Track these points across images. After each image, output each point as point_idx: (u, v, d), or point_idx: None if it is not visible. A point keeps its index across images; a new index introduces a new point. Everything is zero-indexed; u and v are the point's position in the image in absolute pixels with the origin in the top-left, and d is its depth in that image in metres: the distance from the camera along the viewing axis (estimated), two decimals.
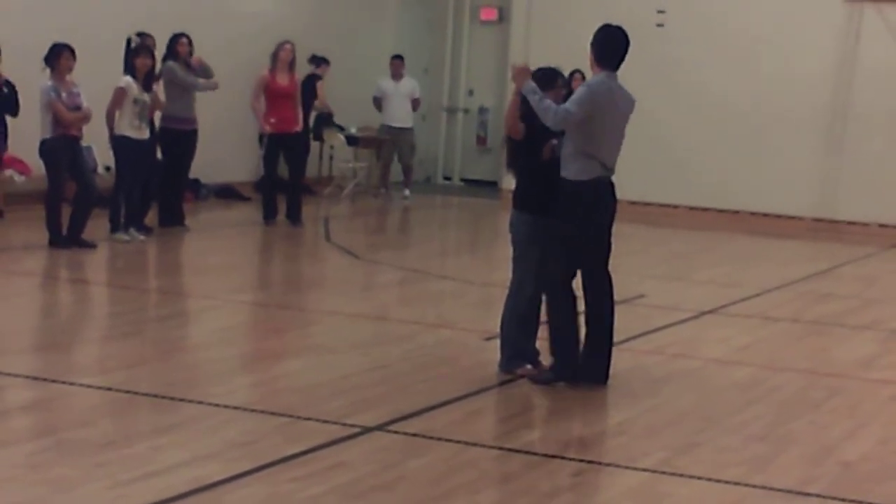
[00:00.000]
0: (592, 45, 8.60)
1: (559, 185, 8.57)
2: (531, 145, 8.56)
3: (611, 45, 8.57)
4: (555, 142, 8.54)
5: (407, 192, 20.68)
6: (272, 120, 16.21)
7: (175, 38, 15.39)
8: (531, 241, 8.66)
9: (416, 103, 20.85)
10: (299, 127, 16.77)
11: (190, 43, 15.39)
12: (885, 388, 9.33)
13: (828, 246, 18.54)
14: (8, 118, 14.24)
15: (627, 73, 8.68)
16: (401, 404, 7.92)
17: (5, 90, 13.79)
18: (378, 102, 20.68)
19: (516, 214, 8.74)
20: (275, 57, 16.33)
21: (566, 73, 9.41)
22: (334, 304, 11.45)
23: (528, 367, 8.82)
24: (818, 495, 6.67)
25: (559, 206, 8.63)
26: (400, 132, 20.62)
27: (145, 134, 14.12)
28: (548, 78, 8.65)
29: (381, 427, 7.38)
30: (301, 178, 17.01)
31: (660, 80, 19.58)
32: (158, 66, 14.77)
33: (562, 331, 8.64)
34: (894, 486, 6.94)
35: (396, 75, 20.71)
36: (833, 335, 11.46)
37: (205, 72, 15.39)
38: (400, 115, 20.60)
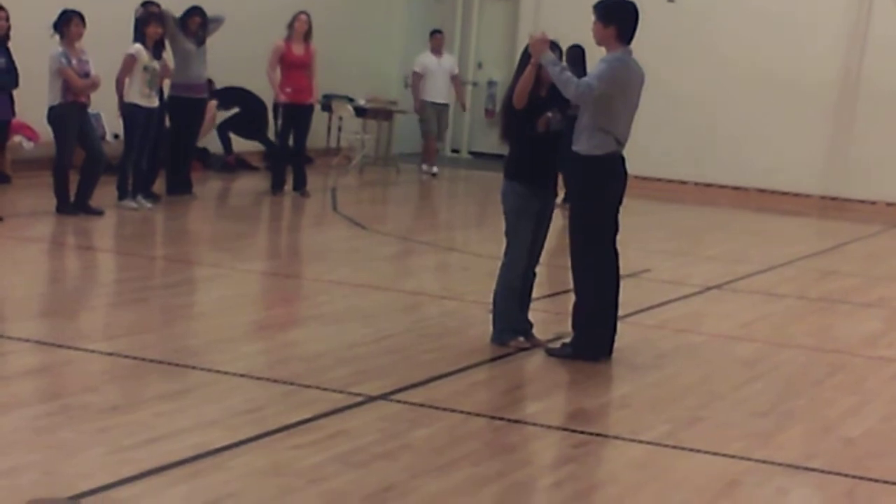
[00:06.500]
0: (609, 19, 8.54)
1: (554, 157, 8.66)
2: (530, 116, 8.55)
3: (630, 21, 8.55)
4: (550, 114, 8.54)
5: (426, 166, 20.62)
6: (287, 90, 16.22)
7: (189, 13, 15.34)
8: (521, 213, 8.67)
9: (456, 79, 20.70)
10: (313, 98, 16.76)
11: (203, 20, 15.34)
12: (888, 365, 9.34)
13: (835, 224, 18.55)
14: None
15: (638, 49, 8.66)
16: (405, 374, 7.94)
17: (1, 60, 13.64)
18: (418, 78, 20.30)
19: (507, 184, 8.75)
20: (290, 27, 16.34)
21: (564, 48, 9.41)
22: (340, 274, 11.46)
23: (521, 339, 8.84)
24: (820, 470, 6.69)
25: (571, 180, 8.69)
26: (443, 108, 20.46)
27: (154, 102, 14.12)
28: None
29: (384, 396, 7.40)
30: (305, 148, 17.01)
31: (669, 57, 19.53)
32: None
33: (584, 306, 8.64)
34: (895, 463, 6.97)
35: (437, 50, 20.53)
36: (838, 312, 11.47)
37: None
38: (442, 90, 20.37)
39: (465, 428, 7.01)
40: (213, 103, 17.63)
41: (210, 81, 16.47)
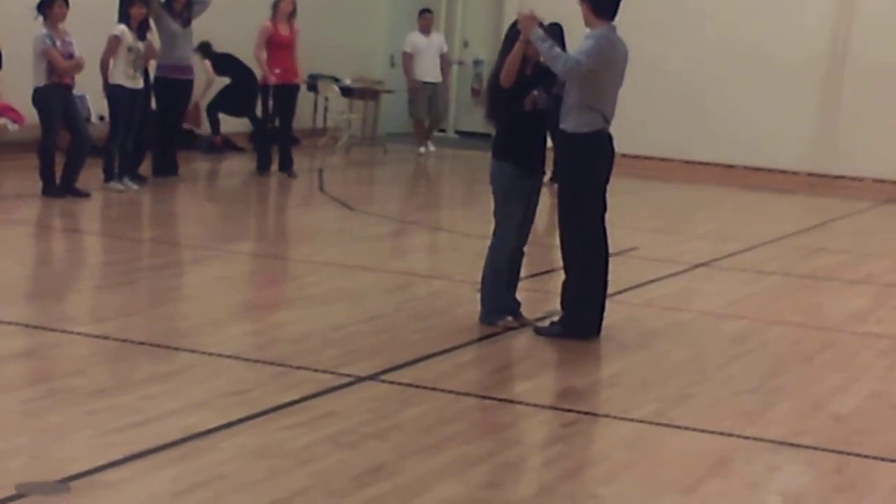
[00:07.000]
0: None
1: (541, 136, 8.66)
2: (516, 95, 8.53)
3: None
4: (536, 93, 8.53)
5: (429, 146, 20.61)
6: (277, 70, 16.21)
7: None
8: (511, 193, 8.66)
9: (445, 58, 20.66)
10: (299, 78, 16.74)
11: (188, 0, 15.28)
12: (877, 341, 9.34)
13: (823, 200, 18.56)
14: None
15: (623, 25, 8.64)
16: (394, 354, 7.93)
17: None
18: (409, 58, 20.31)
19: (496, 164, 8.73)
20: (275, 7, 16.32)
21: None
22: (328, 254, 11.45)
23: (509, 318, 8.83)
24: (809, 447, 6.70)
25: (558, 158, 8.69)
26: (434, 87, 20.40)
27: (139, 83, 14.07)
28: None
29: (373, 377, 7.39)
30: (291, 129, 16.98)
31: (655, 34, 19.48)
32: None
33: (573, 285, 8.62)
34: (885, 439, 6.96)
35: (426, 30, 20.49)
36: (826, 289, 11.48)
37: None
38: (432, 69, 20.34)
39: (454, 408, 7.01)
40: (208, 63, 17.72)
41: (208, 44, 16.49)
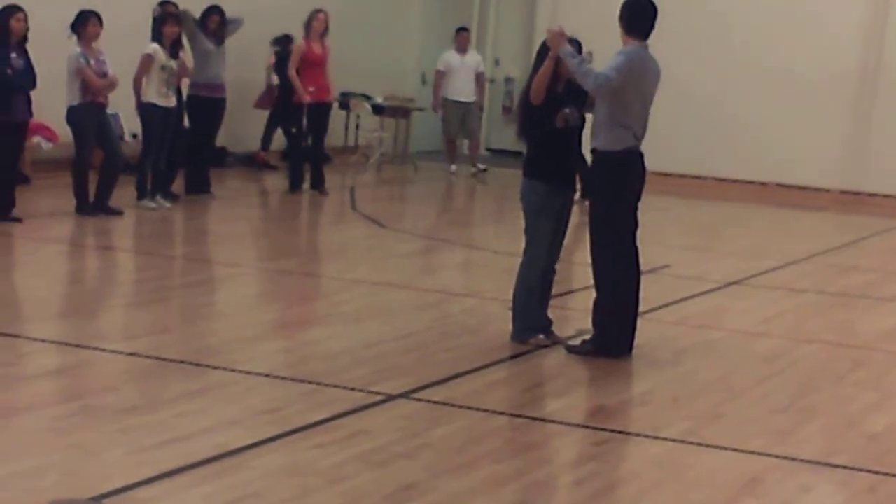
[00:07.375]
0: (621, 18, 8.61)
1: (572, 154, 8.67)
2: (547, 112, 8.54)
3: (639, 16, 8.58)
4: (567, 110, 8.54)
5: (482, 165, 20.61)
6: (311, 89, 16.25)
7: (208, 12, 15.35)
8: (541, 211, 8.66)
9: (481, 77, 20.61)
10: (331, 97, 16.79)
11: (222, 19, 15.35)
12: None
13: (854, 218, 18.47)
14: None
15: (654, 45, 8.65)
16: (425, 372, 7.94)
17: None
18: (440, 76, 20.25)
19: (527, 183, 8.75)
20: (308, 26, 16.35)
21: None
22: (359, 272, 11.46)
23: (541, 336, 8.83)
24: (842, 466, 6.67)
25: (591, 176, 8.70)
26: (467, 107, 20.30)
27: (172, 101, 14.14)
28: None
29: (405, 395, 7.40)
30: (323, 147, 17.01)
31: (686, 53, 19.46)
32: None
33: (604, 302, 8.62)
34: None
35: (462, 49, 20.46)
36: (858, 307, 11.42)
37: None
38: (466, 89, 20.21)
39: (485, 426, 7.01)
40: (274, 57, 18.12)
41: (288, 38, 17.39)
